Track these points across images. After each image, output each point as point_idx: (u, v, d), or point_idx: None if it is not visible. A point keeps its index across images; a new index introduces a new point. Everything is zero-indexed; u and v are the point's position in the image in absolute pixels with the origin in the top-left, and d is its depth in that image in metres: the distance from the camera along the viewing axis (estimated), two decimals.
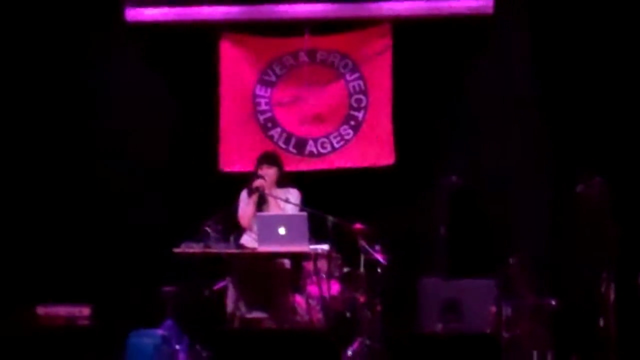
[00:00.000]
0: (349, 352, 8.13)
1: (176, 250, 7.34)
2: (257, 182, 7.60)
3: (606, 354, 7.79)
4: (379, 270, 8.48)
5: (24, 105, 9.39)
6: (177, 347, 8.13)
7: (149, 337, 7.92)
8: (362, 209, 8.79)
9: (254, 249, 7.35)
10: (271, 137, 9.56)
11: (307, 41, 9.51)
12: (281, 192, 7.66)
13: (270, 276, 7.51)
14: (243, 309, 7.43)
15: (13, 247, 9.15)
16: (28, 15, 9.39)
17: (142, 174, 9.41)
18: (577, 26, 9.11)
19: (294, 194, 7.70)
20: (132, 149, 9.44)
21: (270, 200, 7.63)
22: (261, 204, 7.66)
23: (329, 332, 7.72)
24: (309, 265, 8.34)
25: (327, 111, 9.53)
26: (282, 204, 7.61)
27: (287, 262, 7.69)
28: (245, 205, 7.65)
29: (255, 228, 7.48)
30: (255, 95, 9.58)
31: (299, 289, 8.45)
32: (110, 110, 9.46)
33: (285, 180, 7.80)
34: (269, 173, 7.68)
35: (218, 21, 9.52)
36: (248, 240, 7.55)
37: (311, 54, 9.56)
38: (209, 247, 7.32)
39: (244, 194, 7.70)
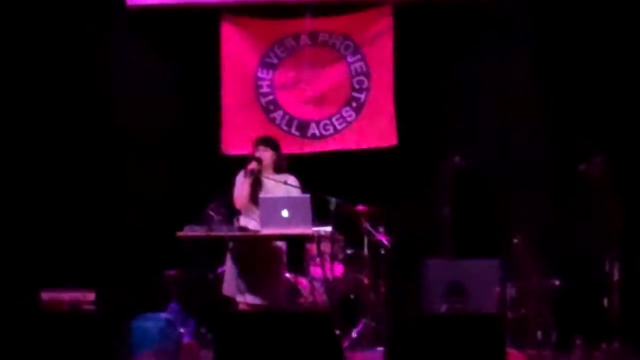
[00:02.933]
0: (354, 334, 8.15)
1: (179, 233, 7.33)
2: (252, 165, 7.56)
3: (610, 334, 7.79)
4: (382, 251, 8.49)
5: (26, 90, 9.37)
6: (182, 330, 8.14)
7: (154, 321, 7.93)
8: (365, 190, 8.80)
9: (257, 231, 7.34)
10: (273, 120, 9.54)
11: (309, 23, 9.48)
12: (279, 177, 7.61)
13: (264, 258, 7.49)
14: (237, 293, 7.42)
15: (17, 233, 9.16)
16: (28, 1, 9.36)
17: (144, 157, 9.40)
18: (579, 7, 9.08)
19: (292, 180, 7.64)
20: (134, 133, 9.43)
21: (267, 183, 7.58)
22: (258, 188, 7.61)
23: (333, 314, 7.72)
24: (312, 248, 8.34)
25: (329, 93, 9.51)
26: (280, 185, 7.55)
27: (281, 244, 7.66)
28: (240, 186, 7.60)
29: (250, 210, 7.45)
30: (257, 78, 9.56)
31: (303, 271, 8.45)
32: (112, 94, 9.44)
33: (283, 166, 7.74)
34: (265, 156, 7.63)
35: (219, 4, 9.49)
36: (248, 222, 7.51)
37: (313, 35, 9.53)
38: (212, 230, 7.31)
39: (240, 177, 7.65)
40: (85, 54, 9.49)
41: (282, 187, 7.54)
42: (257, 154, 7.63)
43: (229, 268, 7.56)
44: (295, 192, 7.55)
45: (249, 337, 5.99)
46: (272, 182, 7.56)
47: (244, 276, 7.43)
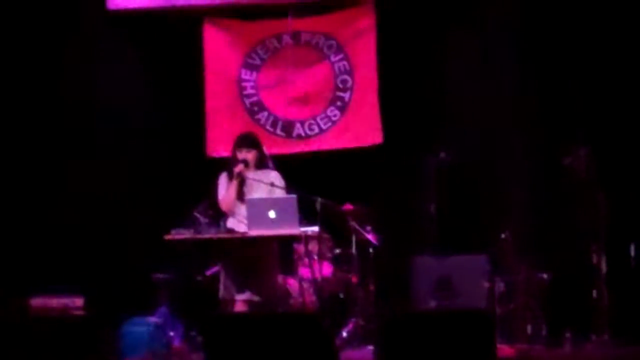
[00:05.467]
0: (344, 333, 8.15)
1: (167, 237, 7.30)
2: (239, 168, 7.46)
3: (600, 325, 7.82)
4: (370, 250, 8.49)
5: (7, 96, 9.32)
6: (172, 333, 8.14)
7: (143, 325, 7.93)
8: (352, 189, 8.80)
9: (245, 233, 7.31)
10: (258, 121, 9.54)
11: (291, 23, 9.48)
12: (263, 175, 7.53)
13: (259, 259, 7.47)
14: (234, 292, 7.40)
15: (5, 239, 9.12)
16: (8, 4, 9.31)
17: (130, 162, 9.37)
18: (564, 0, 9.11)
19: (277, 178, 7.58)
20: (118, 138, 9.40)
21: (251, 183, 7.52)
22: (243, 187, 7.55)
23: (322, 314, 7.71)
24: (300, 248, 8.33)
25: (313, 93, 9.52)
26: (266, 187, 7.50)
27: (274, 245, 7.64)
28: (226, 189, 7.54)
29: (237, 212, 7.42)
30: (240, 80, 9.56)
31: (291, 271, 8.44)
32: (94, 98, 9.41)
33: (263, 161, 7.66)
34: (249, 156, 7.55)
35: (201, 6, 9.48)
36: (235, 224, 7.48)
37: (295, 36, 9.54)
38: (199, 232, 7.28)
39: (222, 178, 7.56)
40: (66, 57, 9.44)
41: (264, 184, 7.47)
42: (242, 156, 7.52)
43: (224, 271, 7.53)
44: (279, 191, 7.50)
45: (239, 339, 5.98)
46: (254, 180, 7.48)
47: (239, 277, 7.40)
